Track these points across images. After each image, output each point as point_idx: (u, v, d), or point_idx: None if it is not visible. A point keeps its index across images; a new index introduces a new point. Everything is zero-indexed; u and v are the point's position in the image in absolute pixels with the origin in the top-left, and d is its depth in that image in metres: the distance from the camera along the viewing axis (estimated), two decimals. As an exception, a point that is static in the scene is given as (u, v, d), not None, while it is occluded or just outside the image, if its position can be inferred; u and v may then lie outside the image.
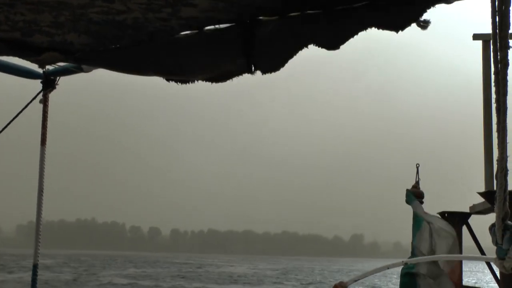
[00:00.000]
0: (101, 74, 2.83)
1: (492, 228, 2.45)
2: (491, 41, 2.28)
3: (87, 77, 2.90)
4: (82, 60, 2.63)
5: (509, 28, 2.13)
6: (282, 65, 2.10)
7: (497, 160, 2.35)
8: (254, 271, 64.79)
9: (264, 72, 2.18)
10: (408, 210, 4.70)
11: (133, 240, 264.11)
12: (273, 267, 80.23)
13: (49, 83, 3.12)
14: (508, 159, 2.36)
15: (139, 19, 2.25)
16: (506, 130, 2.28)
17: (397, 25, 1.85)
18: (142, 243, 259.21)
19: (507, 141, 2.32)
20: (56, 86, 3.15)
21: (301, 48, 2.04)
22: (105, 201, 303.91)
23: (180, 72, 2.36)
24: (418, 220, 4.50)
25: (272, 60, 2.11)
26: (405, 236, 4.69)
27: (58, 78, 3.13)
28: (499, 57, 2.20)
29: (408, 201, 4.60)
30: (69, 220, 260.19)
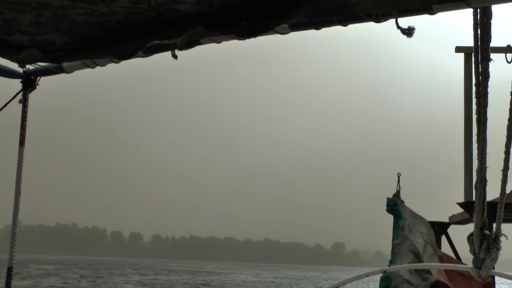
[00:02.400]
0: (83, 75, 2.82)
1: (470, 237, 2.48)
2: (472, 53, 2.32)
3: (67, 77, 2.87)
4: (63, 59, 2.60)
5: (490, 41, 2.16)
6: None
7: (476, 171, 2.38)
8: (259, 279, 64.02)
9: None
10: (389, 219, 4.73)
11: (114, 245, 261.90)
12: (275, 275, 79.55)
13: (29, 83, 3.08)
14: (488, 170, 2.39)
15: (121, 21, 2.24)
16: (486, 141, 2.32)
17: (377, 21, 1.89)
18: (123, 249, 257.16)
19: (487, 152, 2.35)
20: (37, 87, 3.11)
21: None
22: (85, 206, 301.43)
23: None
24: (398, 224, 4.53)
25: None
26: (386, 245, 4.71)
27: (38, 78, 3.10)
28: (480, 69, 2.23)
29: (390, 210, 4.62)
30: (49, 225, 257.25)
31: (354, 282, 3.63)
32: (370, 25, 2.04)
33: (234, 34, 2.06)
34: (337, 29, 2.08)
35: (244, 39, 2.10)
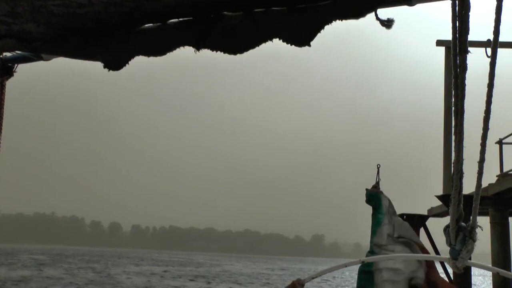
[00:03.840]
0: (59, 61, 2.78)
1: (446, 229, 2.50)
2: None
3: (46, 65, 2.84)
4: (41, 49, 2.58)
5: (468, 33, 2.16)
6: (241, 50, 2.12)
7: (453, 163, 2.40)
8: (258, 271, 63.57)
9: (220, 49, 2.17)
10: (368, 211, 4.76)
11: (93, 235, 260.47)
12: (269, 267, 79.18)
13: (6, 70, 3.04)
14: (465, 162, 2.41)
15: (101, 12, 2.21)
16: (463, 133, 2.33)
17: (357, 15, 1.90)
18: (103, 238, 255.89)
19: (464, 145, 2.37)
20: (14, 74, 3.07)
21: (264, 41, 2.06)
22: (65, 195, 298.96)
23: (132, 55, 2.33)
24: (378, 216, 4.56)
25: (233, 44, 2.12)
26: (365, 237, 4.74)
27: (16, 65, 3.05)
28: (458, 61, 2.24)
29: (369, 202, 4.64)
30: (27, 214, 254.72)
31: (334, 273, 3.65)
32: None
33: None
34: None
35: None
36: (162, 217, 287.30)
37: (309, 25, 2.03)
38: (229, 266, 71.45)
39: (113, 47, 2.30)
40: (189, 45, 2.12)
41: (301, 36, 2.04)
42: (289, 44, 2.08)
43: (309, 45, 2.07)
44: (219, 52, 2.17)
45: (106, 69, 2.57)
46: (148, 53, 2.21)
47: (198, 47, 2.07)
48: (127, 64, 2.37)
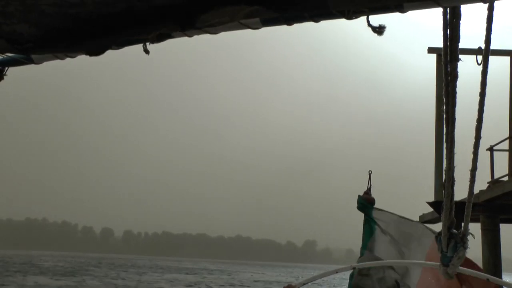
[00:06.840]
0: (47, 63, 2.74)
1: (438, 236, 2.51)
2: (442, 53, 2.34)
3: (36, 67, 2.80)
4: (32, 50, 2.54)
5: (459, 41, 2.17)
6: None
7: (444, 170, 2.41)
8: (291, 280, 62.48)
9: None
10: (360, 217, 4.76)
11: (85, 240, 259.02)
12: (294, 275, 78.33)
13: (-4, 73, 3.00)
14: (456, 169, 2.42)
15: (93, 13, 2.19)
16: (454, 141, 2.34)
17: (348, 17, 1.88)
18: (94, 244, 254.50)
19: (455, 152, 2.38)
20: (5, 77, 3.02)
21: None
22: (56, 200, 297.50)
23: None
24: (370, 225, 4.56)
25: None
26: (357, 243, 4.74)
27: (6, 68, 3.01)
28: (449, 69, 2.25)
29: (360, 208, 4.64)
30: (18, 219, 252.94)
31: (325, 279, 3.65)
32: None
33: (206, 30, 2.04)
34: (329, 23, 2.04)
35: (215, 34, 2.08)
36: (154, 223, 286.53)
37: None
38: (260, 275, 69.86)
39: (98, 35, 2.25)
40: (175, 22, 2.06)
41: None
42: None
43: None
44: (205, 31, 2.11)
45: (88, 56, 2.53)
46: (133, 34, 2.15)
47: (183, 27, 2.02)
48: (110, 48, 2.32)
